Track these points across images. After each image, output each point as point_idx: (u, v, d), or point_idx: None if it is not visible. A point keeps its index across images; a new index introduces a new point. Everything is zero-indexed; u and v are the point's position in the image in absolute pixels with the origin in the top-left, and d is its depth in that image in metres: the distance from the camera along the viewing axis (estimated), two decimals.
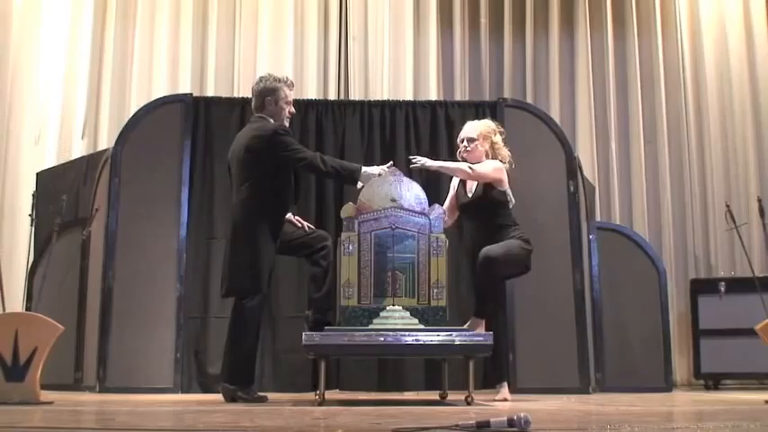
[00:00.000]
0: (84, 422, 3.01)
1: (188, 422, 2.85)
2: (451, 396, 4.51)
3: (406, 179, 4.20)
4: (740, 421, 2.77)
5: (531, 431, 2.39)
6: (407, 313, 3.96)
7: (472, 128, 4.81)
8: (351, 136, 5.87)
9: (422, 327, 3.92)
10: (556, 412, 3.37)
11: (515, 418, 2.41)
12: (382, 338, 3.86)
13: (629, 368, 5.60)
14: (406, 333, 3.87)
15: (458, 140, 4.86)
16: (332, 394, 5.30)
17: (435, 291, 3.98)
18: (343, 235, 4.03)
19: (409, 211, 4.06)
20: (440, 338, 3.88)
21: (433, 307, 3.97)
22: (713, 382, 6.23)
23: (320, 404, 3.80)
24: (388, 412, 3.30)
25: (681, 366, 6.69)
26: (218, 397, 4.30)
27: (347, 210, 4.08)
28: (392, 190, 4.10)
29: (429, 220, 4.06)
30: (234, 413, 3.28)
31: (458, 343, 3.88)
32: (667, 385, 5.63)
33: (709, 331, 6.23)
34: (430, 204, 4.12)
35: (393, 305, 3.97)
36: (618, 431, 2.43)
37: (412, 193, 4.11)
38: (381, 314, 3.95)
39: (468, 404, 3.83)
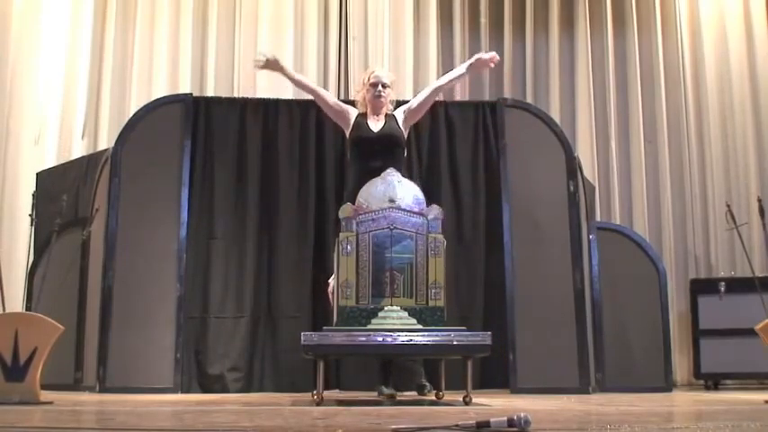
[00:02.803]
0: (84, 422, 3.01)
1: (188, 422, 2.85)
2: (450, 396, 4.50)
3: (404, 180, 4.21)
4: (740, 421, 2.77)
5: (531, 431, 2.39)
6: (405, 313, 3.95)
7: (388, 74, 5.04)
8: None
9: (420, 327, 3.92)
10: (556, 412, 3.37)
11: (515, 418, 2.41)
12: (381, 338, 3.85)
13: (629, 368, 5.60)
14: (404, 333, 3.86)
15: (370, 82, 4.88)
16: (331, 394, 5.31)
17: (433, 291, 3.98)
18: (342, 235, 4.03)
19: (407, 211, 4.06)
20: (438, 339, 3.87)
21: (431, 307, 3.96)
22: (713, 382, 6.22)
23: (318, 404, 3.80)
24: (388, 412, 3.30)
25: (681, 366, 6.69)
26: (218, 397, 4.30)
27: (345, 210, 4.08)
28: (390, 190, 4.10)
29: (427, 220, 4.05)
30: (234, 413, 3.28)
31: (456, 343, 3.87)
32: (667, 385, 5.63)
33: (709, 331, 6.23)
34: (428, 205, 4.12)
35: (391, 305, 3.96)
36: (618, 431, 2.42)
37: (410, 193, 4.11)
38: (380, 314, 3.94)
39: (467, 404, 3.83)
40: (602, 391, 5.41)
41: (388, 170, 4.25)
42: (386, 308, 3.95)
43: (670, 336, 5.88)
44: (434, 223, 4.06)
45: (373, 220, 4.04)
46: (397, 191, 4.11)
